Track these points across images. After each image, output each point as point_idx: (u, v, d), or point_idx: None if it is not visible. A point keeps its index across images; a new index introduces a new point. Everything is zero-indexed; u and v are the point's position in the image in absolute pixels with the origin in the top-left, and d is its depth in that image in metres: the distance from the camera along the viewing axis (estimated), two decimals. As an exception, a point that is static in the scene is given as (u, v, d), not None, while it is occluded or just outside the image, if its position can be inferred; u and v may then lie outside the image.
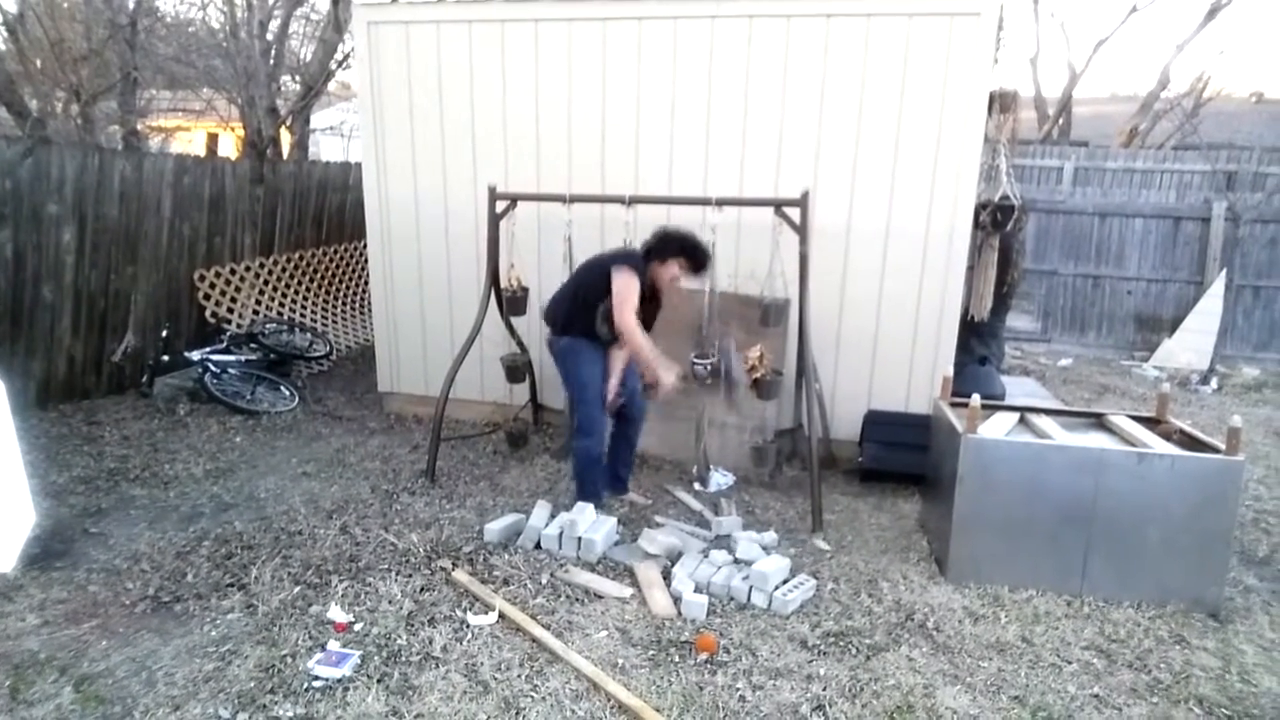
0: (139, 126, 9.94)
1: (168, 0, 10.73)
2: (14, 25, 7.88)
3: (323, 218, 8.10)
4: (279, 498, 4.25)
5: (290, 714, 2.53)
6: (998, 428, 3.67)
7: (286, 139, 9.54)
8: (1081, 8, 28.37)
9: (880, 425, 4.77)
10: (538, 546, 3.68)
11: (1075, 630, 3.19)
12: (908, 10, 4.47)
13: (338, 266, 8.23)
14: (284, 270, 7.46)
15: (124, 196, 5.89)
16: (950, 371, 4.17)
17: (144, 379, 5.88)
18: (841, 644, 3.02)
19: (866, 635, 3.08)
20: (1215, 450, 3.35)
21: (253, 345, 6.24)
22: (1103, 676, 2.90)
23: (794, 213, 4.21)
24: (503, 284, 4.75)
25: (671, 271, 3.86)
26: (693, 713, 2.59)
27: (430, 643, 2.90)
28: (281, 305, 7.32)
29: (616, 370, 4.03)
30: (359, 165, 5.79)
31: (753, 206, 4.43)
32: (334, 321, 7.93)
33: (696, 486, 4.61)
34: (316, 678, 2.69)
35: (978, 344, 5.45)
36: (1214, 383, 7.73)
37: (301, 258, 7.72)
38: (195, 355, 5.85)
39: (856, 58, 4.62)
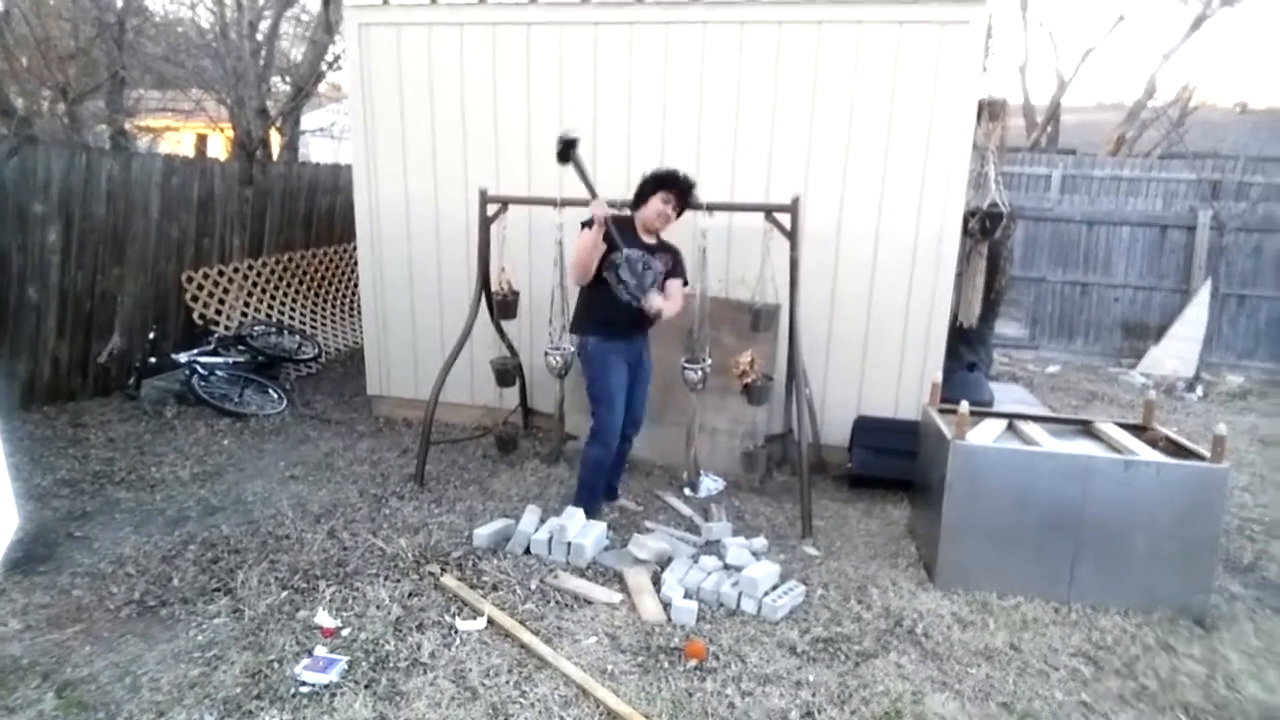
0: (127, 126, 9.87)
1: (156, 0, 10.65)
2: (0, 23, 7.81)
3: (312, 219, 8.07)
4: (266, 501, 4.22)
5: (276, 720, 2.51)
6: (986, 434, 3.69)
7: (276, 140, 9.49)
8: (1069, 17, 28.64)
9: (869, 431, 4.78)
10: (527, 551, 3.67)
11: (1063, 637, 3.20)
12: (898, 18, 4.50)
13: (327, 268, 8.20)
14: (273, 272, 7.42)
15: (111, 196, 5.85)
16: (939, 377, 4.18)
17: (130, 381, 5.83)
18: (831, 650, 3.02)
19: (855, 641, 3.09)
20: (1201, 458, 3.38)
21: (241, 347, 6.20)
22: (1090, 684, 2.91)
23: (785, 218, 4.22)
24: (493, 287, 4.74)
25: (654, 208, 3.79)
26: (681, 719, 2.59)
27: (418, 648, 2.89)
28: (270, 307, 7.28)
29: (664, 303, 3.83)
30: (349, 167, 5.76)
31: (744, 211, 4.43)
32: (323, 324, 7.89)
33: (687, 492, 4.61)
34: (303, 683, 2.67)
35: (966, 350, 5.48)
36: (1200, 390, 7.80)
37: (291, 259, 7.68)
38: (183, 357, 5.81)
39: (847, 64, 4.64)
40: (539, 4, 4.97)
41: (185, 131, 13.85)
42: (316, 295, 7.99)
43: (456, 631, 3.00)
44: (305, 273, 7.86)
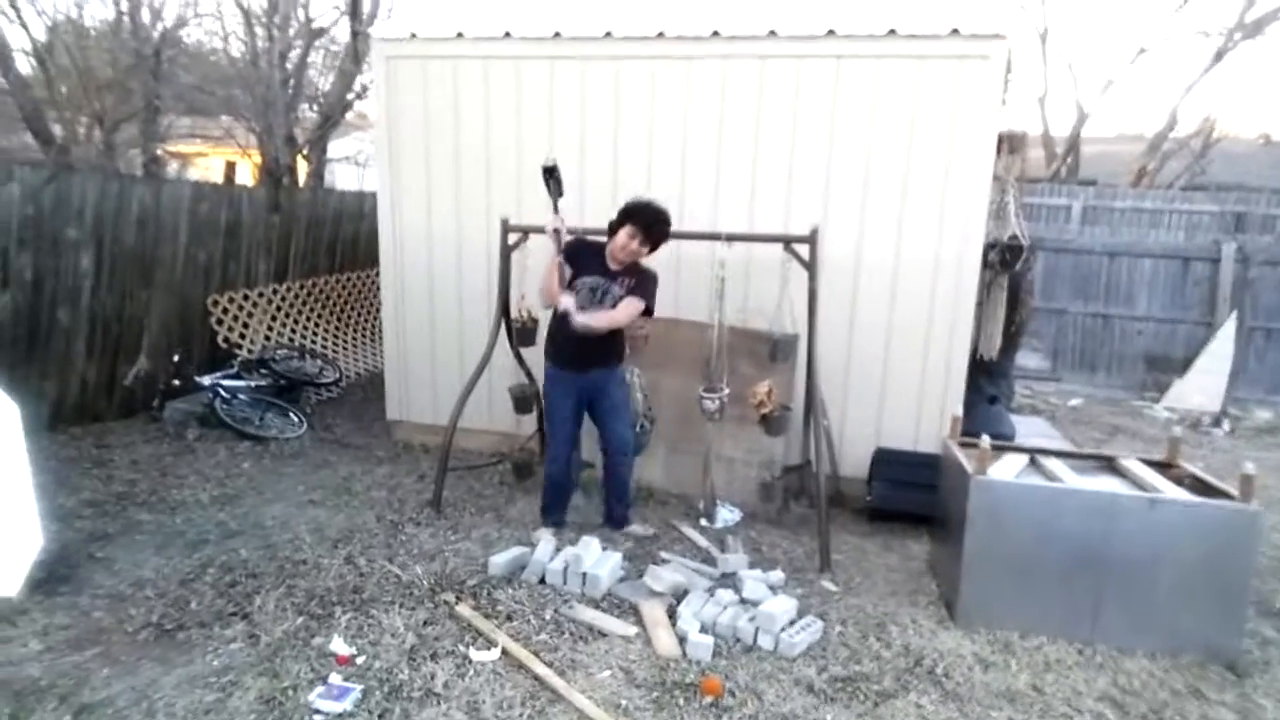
0: (159, 152, 10.12)
1: (191, 30, 10.96)
2: (43, 54, 8.08)
3: (336, 245, 8.19)
4: (285, 525, 4.25)
5: (290, 750, 2.50)
6: (1007, 469, 3.65)
7: (303, 167, 9.69)
8: (1090, 49, 28.66)
9: (889, 464, 4.74)
10: (542, 581, 3.65)
11: (1087, 680, 3.13)
12: (917, 53, 4.54)
13: (350, 294, 8.30)
14: (296, 297, 7.53)
15: (142, 222, 5.98)
16: (959, 410, 4.15)
17: (155, 403, 5.92)
18: (849, 689, 2.97)
19: (875, 681, 3.04)
20: (1228, 496, 3.32)
21: (263, 371, 6.27)
22: (1115, 728, 2.84)
23: (803, 249, 4.23)
24: (513, 315, 4.78)
25: (619, 240, 3.80)
26: (697, 757, 2.56)
27: (432, 678, 2.88)
28: (293, 331, 7.37)
29: (598, 316, 3.86)
30: (373, 194, 5.86)
31: (762, 242, 4.45)
32: (344, 348, 7.98)
33: (703, 522, 4.58)
34: (318, 712, 2.67)
35: (987, 383, 5.43)
36: (1226, 425, 7.66)
37: (315, 285, 7.79)
38: (206, 380, 5.88)
39: (866, 99, 4.68)
40: (562, 39, 5.06)
41: (214, 157, 14.18)
42: (339, 320, 8.09)
43: (470, 662, 2.99)
44: (328, 298, 7.96)
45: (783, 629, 3.23)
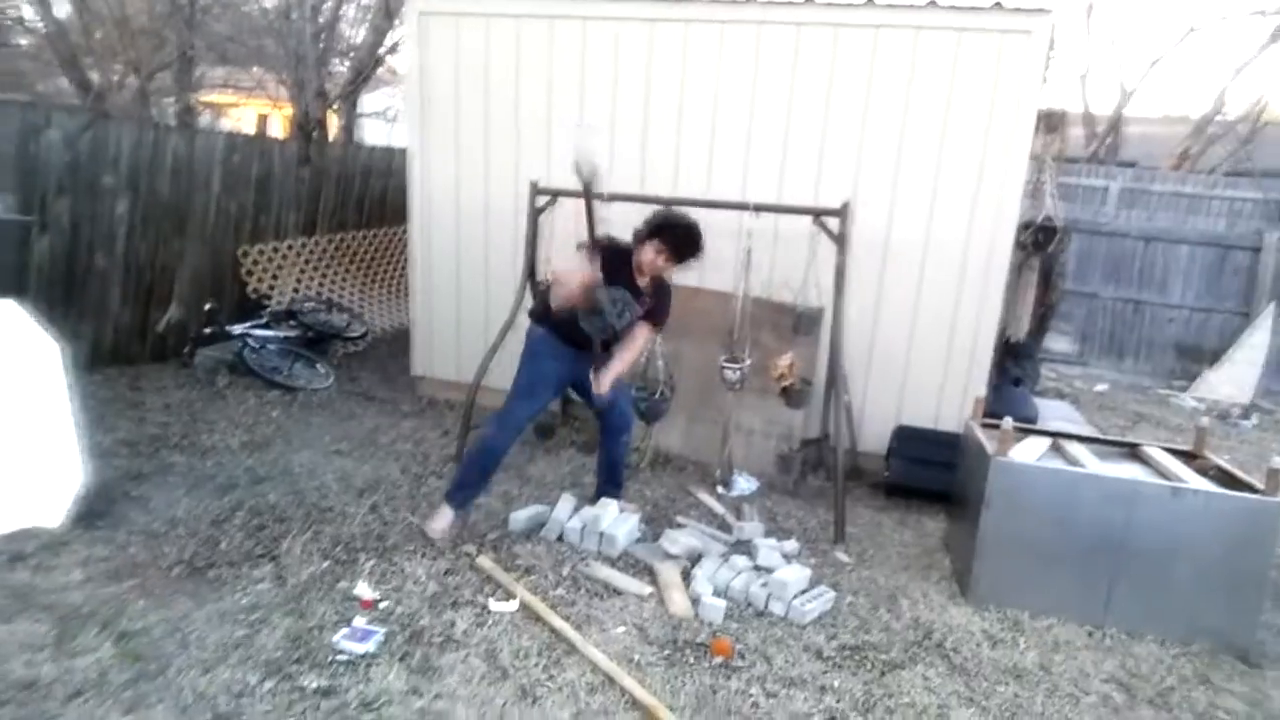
0: (192, 102, 10.17)
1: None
2: (81, 1, 8.11)
3: (365, 201, 8.23)
4: (312, 473, 4.35)
5: (315, 685, 2.60)
6: (1029, 452, 3.65)
7: (334, 122, 9.70)
8: (1137, 26, 27.72)
9: (908, 440, 4.75)
10: (560, 539, 3.73)
11: (1095, 662, 3.16)
12: (958, 25, 4.45)
13: (377, 249, 8.36)
14: (325, 251, 7.60)
15: (176, 172, 6.05)
16: (983, 391, 4.15)
17: (186, 350, 6.04)
18: (857, 658, 3.03)
19: (883, 651, 3.09)
20: (1254, 489, 3.30)
21: (291, 322, 6.37)
22: (1121, 711, 2.88)
23: (833, 223, 4.21)
24: (539, 278, 4.81)
25: (647, 255, 3.51)
26: (705, 714, 2.63)
27: (452, 625, 2.97)
28: (321, 285, 7.46)
29: (613, 366, 3.66)
30: (402, 151, 5.88)
31: (791, 214, 4.42)
32: (371, 303, 8.07)
33: (719, 490, 4.63)
34: (341, 652, 2.77)
35: (1012, 365, 5.40)
36: (1255, 418, 7.56)
37: (343, 239, 7.85)
38: (236, 329, 5.99)
39: (903, 70, 4.60)
40: (596, 0, 5.01)
41: (246, 109, 14.23)
42: (366, 275, 8.16)
43: (489, 612, 3.08)
44: (356, 253, 8.03)
45: (795, 596, 3.29)
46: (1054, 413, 5.97)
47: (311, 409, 5.52)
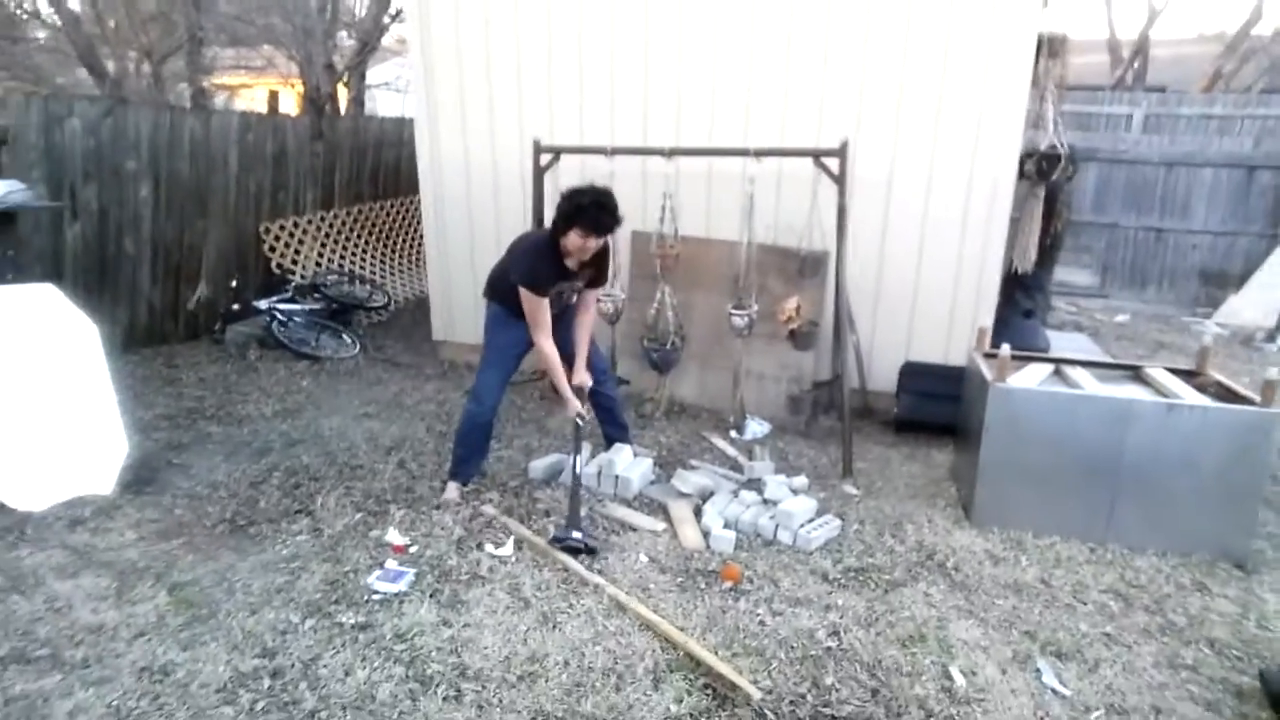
0: (205, 85, 10.34)
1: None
2: (91, -11, 8.26)
3: (379, 173, 8.37)
4: (342, 435, 4.57)
5: (352, 621, 2.81)
6: (1029, 378, 3.72)
7: (344, 95, 9.80)
8: (1167, -59, 26.44)
9: (916, 376, 4.83)
10: (578, 483, 3.90)
11: (1095, 575, 3.28)
12: (955, -46, 4.39)
13: (394, 220, 8.52)
14: (343, 224, 7.77)
15: (194, 153, 6.22)
16: (988, 323, 4.20)
17: (217, 326, 6.28)
18: (861, 579, 3.18)
19: (886, 572, 3.23)
20: (1251, 402, 3.35)
21: (316, 295, 6.57)
22: (1117, 618, 3.00)
23: (833, 163, 4.24)
24: (548, 236, 4.91)
25: (574, 242, 3.46)
26: (715, 633, 2.80)
27: (478, 564, 3.17)
28: (342, 257, 7.65)
29: (581, 352, 3.78)
30: (413, 121, 5.98)
31: (791, 157, 4.46)
32: (391, 273, 8.25)
33: (732, 434, 4.76)
34: (376, 592, 2.98)
35: (1022, 296, 5.41)
36: (1279, 340, 7.48)
37: (360, 211, 8.01)
38: (263, 304, 6.20)
39: (902, 5, 4.57)
40: (591, -48, 5.01)
41: (258, 88, 14.36)
42: (385, 246, 8.34)
43: (493, 556, 3.24)
44: (374, 224, 8.20)
45: (801, 525, 3.43)
46: (1068, 344, 5.98)
47: (339, 377, 5.74)
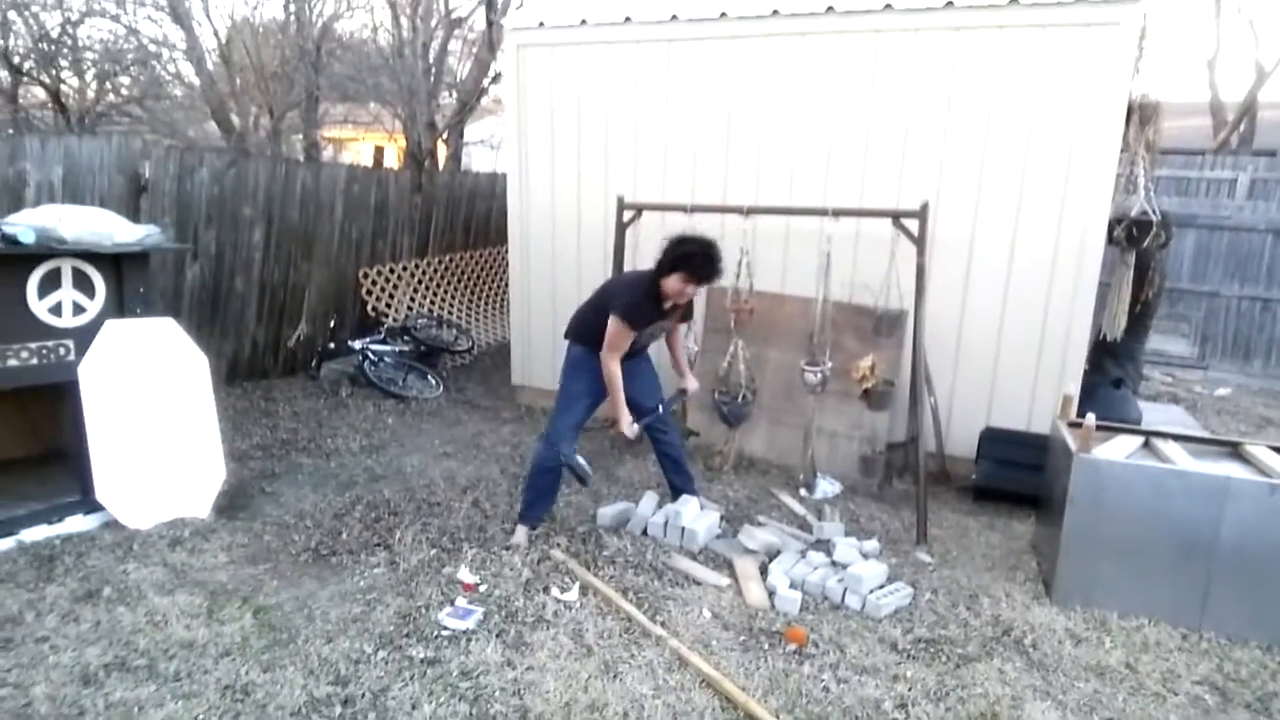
0: (317, 138, 11.13)
1: (344, 23, 11.91)
2: (227, 53, 9.08)
3: (471, 223, 8.78)
4: (422, 473, 4.75)
5: (421, 655, 2.90)
6: (1116, 450, 3.58)
7: (442, 150, 10.38)
8: (1276, 2, 25.52)
9: (997, 443, 4.69)
10: (644, 533, 3.94)
11: (1188, 664, 3.08)
12: (1040, 22, 4.41)
13: (482, 268, 8.89)
14: (436, 271, 8.17)
15: (304, 201, 6.70)
16: (1074, 390, 4.07)
17: (313, 363, 6.66)
18: (932, 650, 3.07)
19: (959, 645, 3.12)
20: (1365, 488, 3.13)
21: (405, 337, 6.91)
22: (1213, 713, 2.81)
23: (912, 224, 4.25)
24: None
25: (673, 286, 3.61)
26: (777, 696, 2.76)
27: (543, 608, 3.22)
28: (432, 302, 8.02)
29: (681, 359, 4.08)
30: (504, 175, 6.30)
31: (870, 218, 4.49)
32: (476, 319, 8.58)
33: (802, 492, 4.72)
34: (445, 628, 3.07)
35: (1112, 365, 5.22)
36: (1406, 422, 6.91)
37: (451, 260, 8.41)
38: (357, 344, 6.56)
39: (986, 70, 4.59)
40: (679, 21, 5.25)
41: (364, 142, 15.34)
42: (472, 293, 8.69)
43: (559, 600, 3.29)
44: (463, 272, 8.58)
45: (871, 591, 3.36)
46: (1162, 416, 5.71)
47: (423, 416, 5.97)
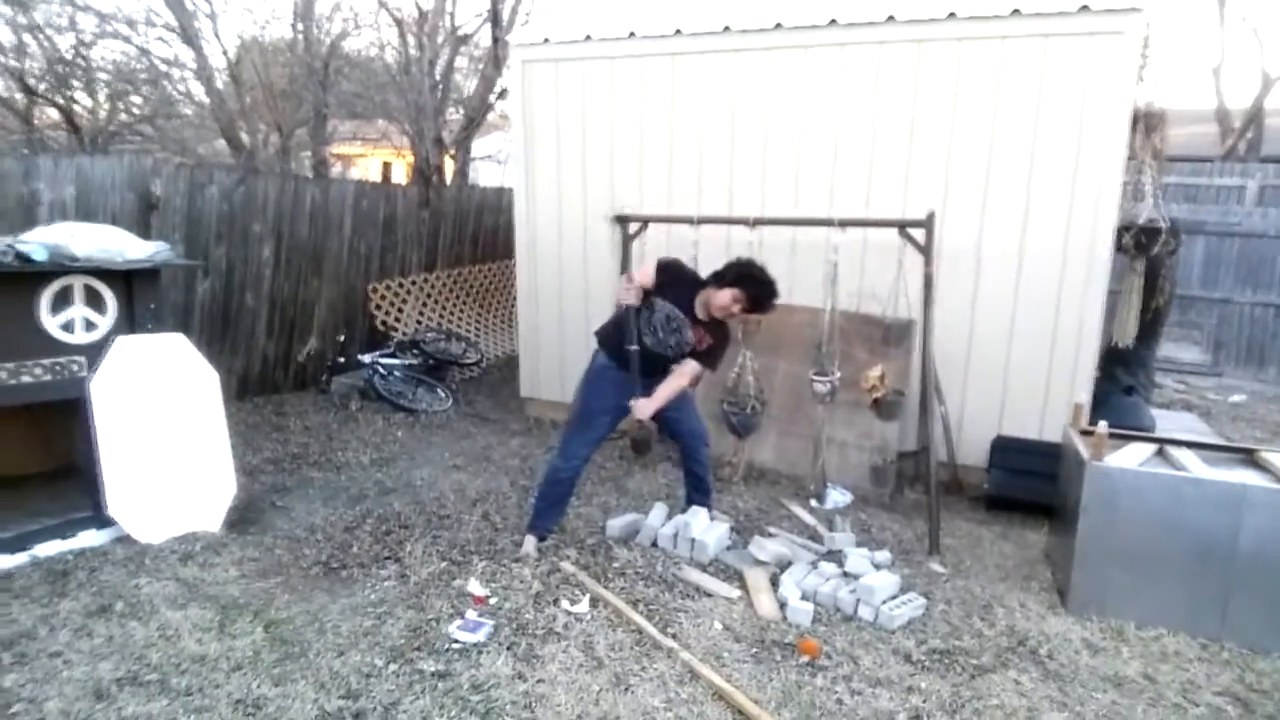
0: (326, 155, 11.22)
1: (352, 41, 12.04)
2: (237, 72, 9.19)
3: (479, 238, 8.82)
4: (432, 486, 4.76)
5: (432, 669, 2.89)
6: (1130, 458, 3.55)
7: (450, 166, 10.45)
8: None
9: (1008, 452, 4.67)
10: (654, 544, 3.92)
11: (1209, 674, 3.04)
12: (1043, 31, 4.42)
13: (490, 282, 8.93)
14: (444, 284, 8.20)
15: (313, 217, 6.75)
16: (1085, 398, 4.05)
17: (323, 378, 6.69)
18: (946, 661, 3.05)
19: (974, 656, 3.09)
20: (1384, 494, 3.09)
21: (415, 351, 6.93)
22: (1233, 723, 2.77)
23: (919, 233, 4.24)
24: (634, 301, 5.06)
25: (723, 299, 3.55)
26: (790, 708, 2.73)
27: (554, 620, 3.21)
28: (440, 316, 8.05)
29: (663, 394, 3.68)
30: (511, 190, 6.34)
31: (876, 228, 4.49)
32: (485, 332, 8.61)
33: (813, 503, 4.69)
34: (456, 641, 3.06)
35: (1123, 373, 5.19)
36: None
37: (459, 274, 8.45)
38: (366, 358, 6.58)
39: (990, 80, 4.60)
40: (683, 35, 5.28)
41: (372, 158, 15.46)
42: (480, 306, 8.72)
43: (569, 613, 3.27)
44: (471, 286, 8.61)
45: (883, 602, 3.33)
46: (1175, 424, 5.66)
47: (432, 429, 5.98)
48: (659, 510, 4.08)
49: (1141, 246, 4.65)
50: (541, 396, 6.32)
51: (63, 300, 3.68)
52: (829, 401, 4.46)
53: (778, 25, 5.01)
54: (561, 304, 6.10)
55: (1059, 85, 4.45)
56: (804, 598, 3.41)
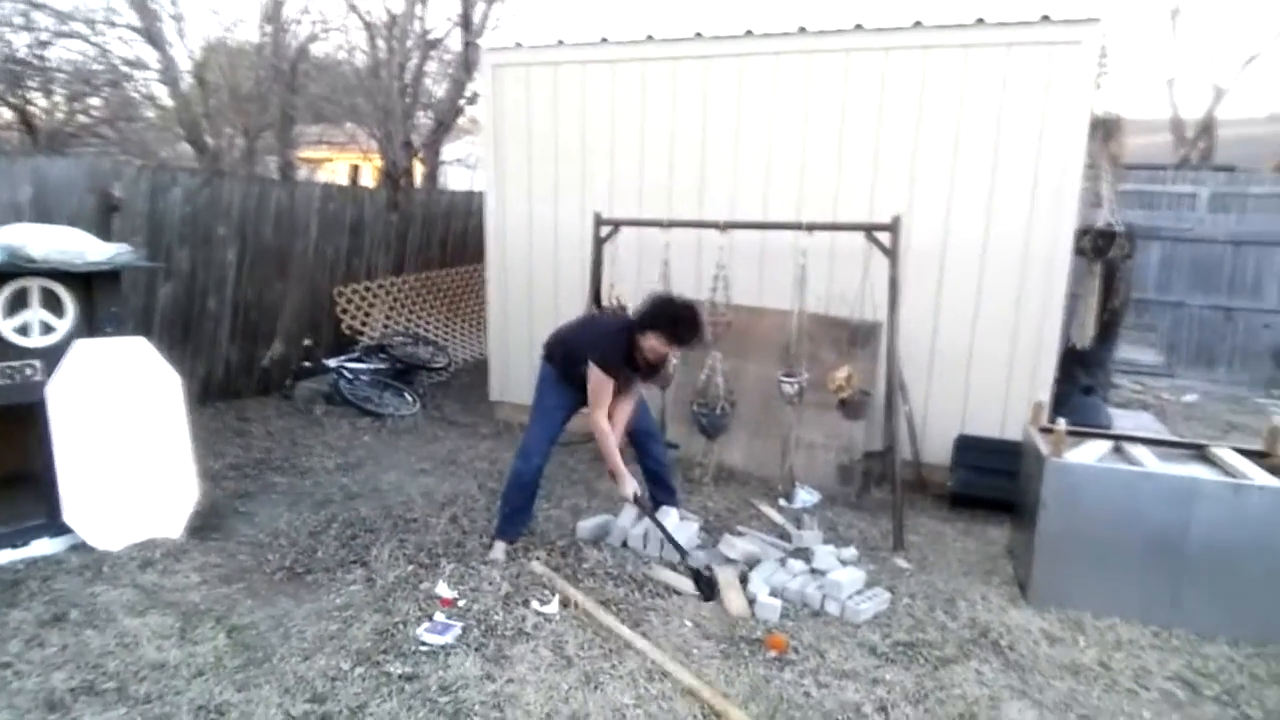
0: (292, 158, 11.09)
1: (320, 44, 11.92)
2: (202, 75, 9.04)
3: (448, 241, 8.78)
4: (399, 490, 4.71)
5: (400, 671, 2.87)
6: (1087, 454, 3.64)
7: (419, 169, 10.38)
8: (1229, 24, 26.40)
9: (971, 450, 4.76)
10: (624, 545, 3.93)
11: (1160, 661, 3.13)
12: (1006, 41, 4.54)
13: (459, 286, 8.88)
14: (412, 288, 8.14)
15: (278, 220, 6.67)
16: (1045, 397, 4.15)
17: (287, 382, 6.60)
18: (910, 654, 3.10)
19: (937, 648, 3.15)
20: (1326, 486, 3.21)
21: (381, 355, 6.87)
22: (1184, 707, 2.85)
23: (885, 237, 4.32)
24: (604, 303, 5.09)
25: (650, 343, 3.61)
26: (758, 702, 2.76)
27: (523, 620, 3.20)
28: (408, 320, 7.98)
29: (618, 430, 3.84)
30: (481, 194, 6.33)
31: (844, 231, 4.56)
32: (453, 336, 8.55)
33: (781, 502, 4.74)
34: (424, 643, 3.03)
35: (1082, 373, 5.32)
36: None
37: (428, 277, 8.39)
38: (332, 363, 6.51)
39: (954, 87, 4.71)
40: (654, 41, 5.33)
41: (339, 161, 15.30)
42: (449, 310, 8.67)
43: (539, 613, 3.26)
44: (440, 289, 8.56)
45: (849, 597, 3.38)
46: (1131, 423, 5.82)
47: (399, 433, 5.93)
48: (629, 511, 4.08)
49: (1098, 249, 4.78)
50: (511, 400, 6.30)
51: (19, 302, 3.59)
52: (797, 402, 4.51)
53: (748, 32, 5.08)
54: (531, 307, 6.09)
55: (1021, 92, 4.57)
56: (772, 594, 3.44)
